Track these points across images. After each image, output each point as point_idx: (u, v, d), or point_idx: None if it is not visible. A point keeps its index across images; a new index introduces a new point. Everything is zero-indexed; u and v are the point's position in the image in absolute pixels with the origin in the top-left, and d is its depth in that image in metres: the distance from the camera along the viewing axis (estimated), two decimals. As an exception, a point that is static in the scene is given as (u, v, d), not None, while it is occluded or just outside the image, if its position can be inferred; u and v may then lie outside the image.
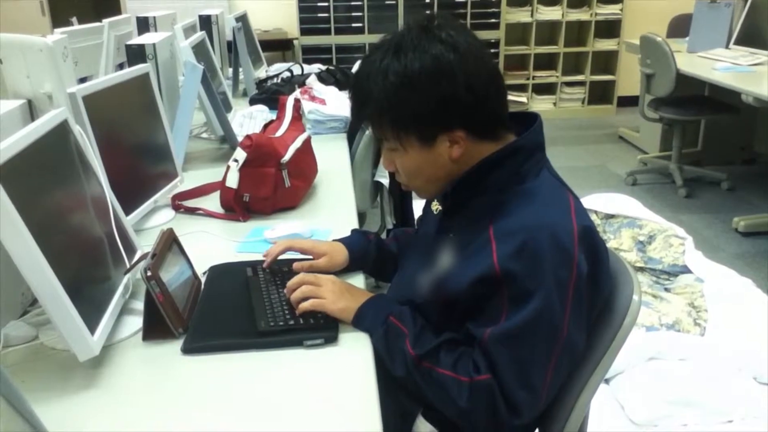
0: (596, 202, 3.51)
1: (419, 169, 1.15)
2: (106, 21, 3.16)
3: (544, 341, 1.02)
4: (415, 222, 2.01)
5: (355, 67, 1.30)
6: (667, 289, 2.61)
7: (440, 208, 1.23)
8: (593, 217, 3.33)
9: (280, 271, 1.33)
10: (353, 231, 1.49)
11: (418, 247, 1.30)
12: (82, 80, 3.12)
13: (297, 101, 2.11)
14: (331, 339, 1.13)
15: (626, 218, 3.22)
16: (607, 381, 2.09)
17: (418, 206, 2.69)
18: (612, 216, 3.29)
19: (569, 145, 5.36)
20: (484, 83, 1.08)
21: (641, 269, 2.80)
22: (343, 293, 1.21)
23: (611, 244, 3.05)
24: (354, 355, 1.11)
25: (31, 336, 1.17)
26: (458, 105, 1.07)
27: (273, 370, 1.07)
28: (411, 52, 1.07)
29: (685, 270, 2.69)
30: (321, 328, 1.14)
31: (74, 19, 4.28)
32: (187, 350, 1.11)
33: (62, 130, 1.22)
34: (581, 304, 1.04)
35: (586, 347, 1.11)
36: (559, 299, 1.00)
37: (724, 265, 2.80)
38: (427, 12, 5.52)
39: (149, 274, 1.11)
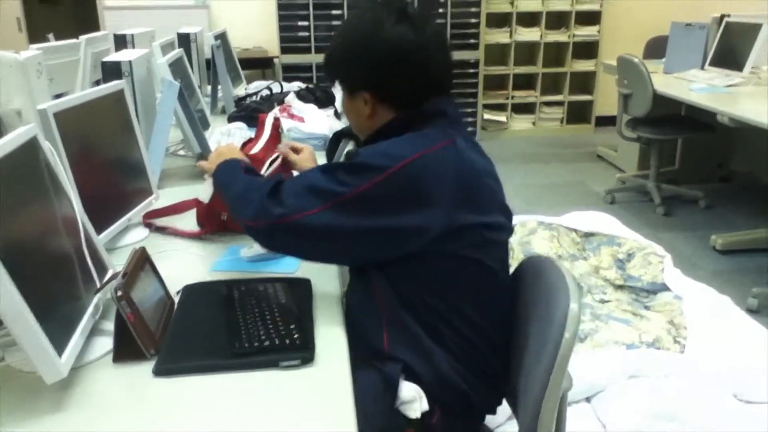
0: (575, 219, 3.52)
1: (348, 114, 1.39)
2: (83, 38, 3.13)
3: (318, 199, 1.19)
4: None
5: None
6: (646, 307, 2.61)
7: None
8: (573, 235, 3.34)
9: (256, 290, 1.31)
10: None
11: None
12: (58, 96, 3.07)
13: (276, 120, 2.09)
14: (307, 359, 1.10)
15: (605, 236, 3.24)
16: (588, 400, 2.07)
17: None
18: (591, 234, 3.30)
19: (548, 162, 5.40)
20: (396, 60, 1.25)
21: (621, 287, 2.80)
22: (222, 155, 1.48)
23: (591, 262, 3.06)
24: (331, 376, 1.08)
25: (-6, 358, 1.13)
26: (370, 69, 1.28)
27: (248, 391, 1.04)
28: (351, 18, 1.35)
29: (665, 288, 2.70)
30: (297, 349, 1.11)
31: (51, 36, 4.24)
32: (159, 372, 1.08)
33: (31, 147, 1.19)
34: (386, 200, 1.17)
35: (532, 356, 1.17)
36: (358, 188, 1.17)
37: (703, 283, 2.81)
38: None
39: (120, 294, 1.08)
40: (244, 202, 1.27)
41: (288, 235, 1.22)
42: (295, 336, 1.14)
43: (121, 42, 3.48)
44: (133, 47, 3.46)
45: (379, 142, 1.25)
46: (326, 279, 1.42)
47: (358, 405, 1.03)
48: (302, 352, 1.11)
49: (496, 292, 1.30)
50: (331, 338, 1.19)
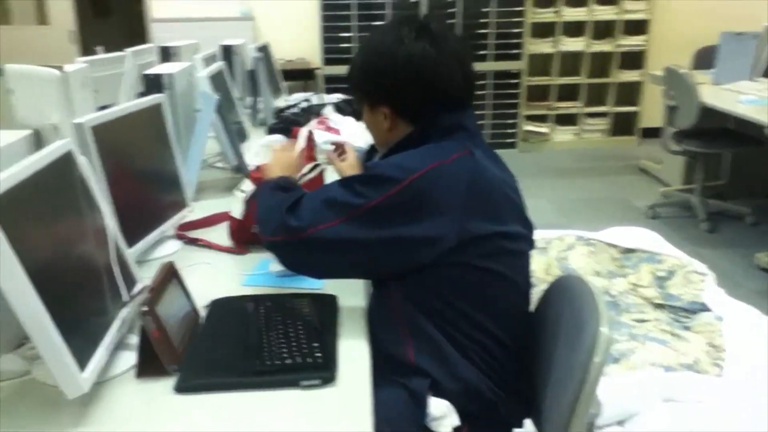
0: (615, 235, 3.45)
1: (369, 127, 1.41)
2: (129, 50, 3.22)
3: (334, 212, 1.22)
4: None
5: None
6: (686, 328, 2.54)
7: None
8: (612, 251, 3.27)
9: (282, 306, 1.31)
10: None
11: None
12: (103, 108, 3.16)
13: (310, 133, 2.10)
14: (328, 380, 1.10)
15: (645, 253, 3.16)
16: (620, 423, 2.02)
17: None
18: (631, 250, 3.23)
19: (589, 176, 5.31)
20: (414, 76, 1.27)
21: (660, 306, 2.73)
22: (281, 167, 1.51)
23: (630, 280, 2.99)
24: (351, 397, 1.08)
25: (24, 370, 1.16)
26: (389, 86, 1.30)
27: (268, 410, 1.05)
28: (373, 34, 1.35)
29: (705, 308, 2.62)
30: (319, 368, 1.11)
31: (100, 48, 4.36)
32: (180, 389, 1.09)
33: (66, 161, 1.22)
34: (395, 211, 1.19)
35: (558, 379, 1.15)
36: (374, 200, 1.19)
37: (745, 302, 2.71)
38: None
39: (145, 309, 1.10)
40: (266, 218, 1.31)
41: (304, 249, 1.24)
42: (317, 355, 1.14)
43: (166, 54, 3.56)
44: (178, 60, 3.54)
45: (397, 154, 1.29)
46: (352, 295, 1.42)
47: (385, 423, 1.02)
48: (323, 371, 1.11)
49: (517, 303, 1.31)
50: (354, 356, 1.19)
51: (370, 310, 1.36)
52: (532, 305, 1.40)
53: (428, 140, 1.28)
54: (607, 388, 2.05)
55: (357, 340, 1.25)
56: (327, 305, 1.35)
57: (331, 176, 1.98)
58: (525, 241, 1.32)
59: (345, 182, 1.25)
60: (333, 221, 1.21)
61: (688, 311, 2.64)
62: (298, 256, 1.27)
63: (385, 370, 1.24)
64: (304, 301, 1.33)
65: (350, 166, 1.79)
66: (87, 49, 5.43)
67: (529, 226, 1.34)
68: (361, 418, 1.03)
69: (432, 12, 5.63)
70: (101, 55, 3.28)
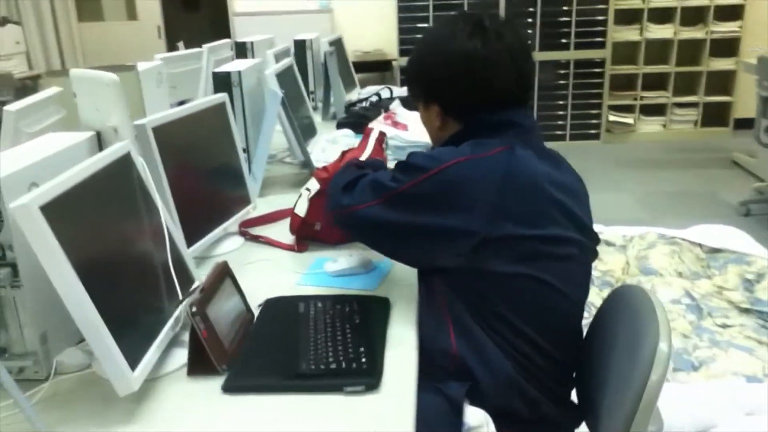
0: (702, 233, 3.27)
1: (424, 124, 1.41)
2: (206, 46, 3.30)
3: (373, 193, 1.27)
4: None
5: None
6: (774, 336, 2.38)
7: None
8: (697, 250, 3.10)
9: (332, 307, 1.31)
10: None
11: None
12: (181, 103, 3.26)
13: (382, 134, 2.08)
14: (372, 386, 1.08)
15: (734, 253, 2.98)
16: (697, 436, 1.91)
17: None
18: (718, 250, 3.06)
19: (678, 168, 5.06)
20: (467, 70, 1.26)
21: (747, 311, 2.56)
22: None
23: (715, 281, 2.82)
24: (394, 404, 1.06)
25: (85, 364, 1.19)
26: (436, 83, 1.31)
27: (311, 414, 1.04)
28: (431, 31, 1.35)
29: (797, 315, 2.44)
30: (363, 374, 1.10)
31: (181, 44, 4.51)
32: (228, 389, 1.10)
33: (125, 162, 1.25)
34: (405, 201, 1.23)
35: (614, 394, 1.09)
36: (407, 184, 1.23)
37: None
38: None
39: (194, 309, 1.11)
40: (331, 194, 1.38)
41: (353, 225, 1.33)
42: (363, 360, 1.12)
43: (241, 50, 3.63)
44: (253, 54, 3.60)
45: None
46: (405, 297, 1.39)
47: (423, 430, 1.00)
48: (367, 378, 1.09)
49: (561, 310, 1.24)
50: (400, 363, 1.16)
51: (418, 294, 1.36)
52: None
53: (476, 136, 1.26)
54: (685, 397, 1.95)
55: (405, 345, 1.22)
56: (378, 308, 1.33)
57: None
58: (576, 246, 1.24)
59: (395, 166, 1.29)
60: (371, 201, 1.27)
61: (777, 318, 2.47)
62: (351, 230, 1.37)
63: (426, 372, 1.22)
64: (355, 303, 1.32)
65: None
66: (173, 44, 5.61)
67: (585, 230, 1.27)
68: (403, 426, 1.00)
69: (500, 8, 5.49)
70: (180, 52, 3.37)
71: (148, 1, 6.28)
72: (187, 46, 4.41)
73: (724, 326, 2.45)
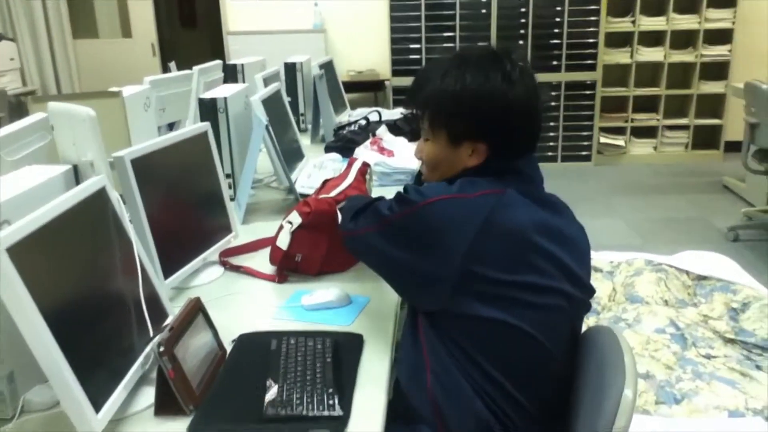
0: (689, 260, 3.27)
1: (439, 163, 1.34)
2: (195, 68, 3.30)
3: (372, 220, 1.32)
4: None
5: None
6: (758, 367, 2.37)
7: None
8: (684, 277, 3.10)
9: (304, 344, 1.30)
10: None
11: None
12: (171, 125, 3.27)
13: (365, 165, 2.07)
14: (338, 430, 1.07)
15: (720, 281, 2.98)
16: (677, 471, 1.90)
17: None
18: (704, 278, 3.06)
19: (668, 193, 5.07)
20: (521, 117, 1.25)
21: (731, 341, 2.56)
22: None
23: (701, 310, 2.82)
24: (361, 450, 1.05)
25: (53, 402, 1.18)
26: (491, 127, 1.25)
27: (276, 459, 1.03)
28: (472, 68, 1.26)
29: (782, 346, 2.44)
30: (330, 418, 1.09)
31: (172, 64, 4.52)
32: (193, 431, 1.09)
33: (100, 197, 1.25)
34: (394, 235, 1.25)
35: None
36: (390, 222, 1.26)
37: (831, 341, 2.51)
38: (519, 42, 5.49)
39: (162, 350, 1.11)
40: (343, 216, 1.46)
41: (353, 248, 1.43)
42: (330, 403, 1.11)
43: (232, 72, 3.65)
44: (243, 77, 3.62)
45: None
46: (380, 334, 1.39)
47: None
48: (334, 422, 1.08)
49: (536, 360, 1.21)
50: (369, 403, 1.16)
51: (402, 339, 1.35)
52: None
53: (483, 176, 1.26)
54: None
55: (375, 384, 1.21)
56: (351, 345, 1.33)
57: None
58: (563, 297, 1.21)
59: (394, 196, 1.31)
60: (369, 228, 1.32)
61: (762, 349, 2.47)
62: (352, 252, 1.45)
63: (398, 412, 1.22)
64: (328, 340, 1.31)
65: None
66: (168, 62, 5.64)
67: (580, 284, 1.25)
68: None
69: (491, 31, 5.53)
70: (169, 74, 3.38)
71: (143, 17, 6.31)
72: (183, 65, 4.44)
73: (708, 357, 2.44)
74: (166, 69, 5.84)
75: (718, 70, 5.77)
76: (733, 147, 5.74)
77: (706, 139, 6.00)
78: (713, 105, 5.91)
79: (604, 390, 1.03)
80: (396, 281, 1.33)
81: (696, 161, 5.91)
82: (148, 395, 1.19)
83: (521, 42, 5.61)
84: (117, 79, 5.48)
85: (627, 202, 4.87)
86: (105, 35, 6.63)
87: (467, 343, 1.19)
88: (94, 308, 1.13)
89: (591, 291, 1.28)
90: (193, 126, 1.78)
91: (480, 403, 1.19)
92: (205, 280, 1.71)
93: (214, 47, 6.98)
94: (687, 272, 3.14)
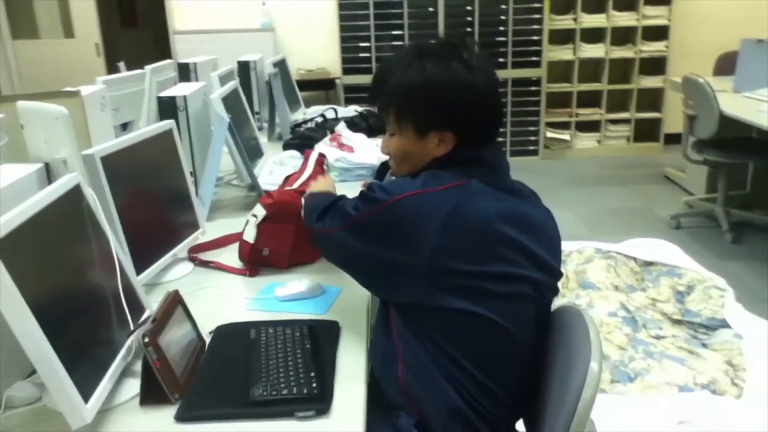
0: (636, 247, 3.42)
1: (408, 156, 1.35)
2: (148, 68, 3.27)
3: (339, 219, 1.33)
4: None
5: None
6: (704, 345, 2.51)
7: None
8: (632, 264, 3.24)
9: (282, 333, 1.33)
10: None
11: None
12: (124, 126, 3.23)
13: (321, 156, 2.13)
14: (322, 411, 1.12)
15: (666, 266, 3.13)
16: (633, 445, 2.01)
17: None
18: (651, 263, 3.20)
19: (613, 185, 5.26)
20: (485, 103, 1.29)
21: (678, 322, 2.70)
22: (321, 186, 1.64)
23: (649, 294, 2.96)
24: (344, 428, 1.09)
25: (35, 397, 1.19)
26: (458, 113, 1.28)
27: (264, 440, 1.06)
28: (433, 58, 1.29)
29: (725, 324, 2.59)
30: (313, 399, 1.13)
31: (122, 64, 4.45)
32: (181, 418, 1.11)
33: (75, 195, 1.26)
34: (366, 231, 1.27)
35: (551, 414, 1.13)
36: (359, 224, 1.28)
37: (768, 319, 2.68)
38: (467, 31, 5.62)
39: (146, 340, 1.13)
40: (307, 215, 1.47)
41: (321, 246, 1.44)
42: (313, 385, 1.15)
43: (185, 70, 3.62)
44: (196, 76, 3.60)
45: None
46: (355, 320, 1.44)
47: None
48: (318, 403, 1.12)
49: (507, 349, 1.24)
50: (350, 386, 1.20)
51: (375, 319, 1.38)
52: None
53: (446, 167, 1.29)
54: (620, 408, 2.04)
55: (354, 369, 1.26)
56: (328, 332, 1.37)
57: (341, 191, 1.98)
58: (530, 285, 1.24)
59: (359, 195, 1.33)
60: (335, 227, 1.33)
61: (707, 328, 2.61)
62: (320, 250, 1.48)
63: (378, 400, 1.25)
64: (306, 328, 1.35)
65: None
66: (113, 62, 5.53)
67: (547, 269, 1.28)
68: (356, 449, 1.04)
69: (438, 29, 5.63)
70: (121, 74, 3.34)
71: (85, 16, 6.16)
72: (127, 65, 4.37)
73: (658, 337, 2.57)
74: (112, 69, 5.72)
75: (656, 66, 6.01)
76: (673, 139, 5.99)
77: (646, 132, 6.23)
78: (653, 99, 6.14)
79: (572, 365, 1.10)
80: (364, 277, 1.35)
81: (638, 153, 6.14)
82: (131, 387, 1.21)
83: (467, 41, 5.71)
84: (60, 81, 5.34)
85: (574, 194, 5.03)
86: (46, 36, 6.44)
87: (438, 334, 1.22)
88: (75, 303, 1.14)
89: (559, 275, 1.32)
90: (159, 124, 1.79)
91: (452, 392, 1.22)
92: (176, 275, 1.73)
93: (159, 47, 6.87)
94: (634, 259, 3.28)
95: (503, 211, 1.24)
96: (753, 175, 4.52)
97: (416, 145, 1.33)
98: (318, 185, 1.67)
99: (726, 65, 5.02)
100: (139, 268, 1.55)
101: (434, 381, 1.23)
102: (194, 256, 1.82)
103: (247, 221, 1.76)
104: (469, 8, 5.65)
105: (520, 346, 1.26)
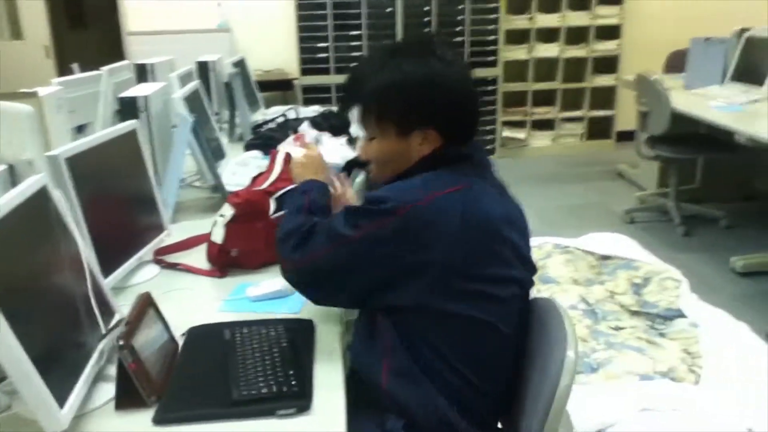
0: (593, 242, 3.50)
1: (391, 159, 1.32)
2: (104, 69, 3.21)
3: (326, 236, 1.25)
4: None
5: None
6: (662, 335, 2.59)
7: None
8: (589, 258, 3.32)
9: (258, 333, 1.33)
10: None
11: None
12: (80, 128, 3.16)
13: (288, 155, 2.12)
14: (303, 408, 1.12)
15: (622, 260, 3.22)
16: (598, 434, 2.06)
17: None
18: (608, 257, 3.28)
19: (568, 182, 5.37)
20: (464, 97, 1.29)
21: (637, 313, 2.78)
22: (306, 168, 1.57)
23: (607, 287, 3.04)
24: (326, 424, 1.10)
25: (5, 405, 1.16)
26: (437, 109, 1.26)
27: (245, 440, 1.06)
28: (407, 57, 1.27)
29: (680, 314, 2.67)
30: (294, 397, 1.13)
31: (75, 66, 4.35)
32: (159, 421, 1.10)
33: (41, 196, 1.23)
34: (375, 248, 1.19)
35: (530, 403, 1.14)
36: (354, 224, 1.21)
37: (722, 307, 2.77)
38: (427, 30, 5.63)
39: (122, 343, 1.11)
40: (281, 242, 1.32)
41: (306, 276, 1.29)
42: (293, 383, 1.16)
43: (142, 72, 3.56)
44: (154, 77, 3.54)
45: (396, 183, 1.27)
46: (329, 319, 1.44)
47: None
48: (299, 400, 1.13)
49: (493, 349, 1.25)
50: (329, 383, 1.21)
51: (355, 326, 1.37)
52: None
53: (437, 166, 1.26)
54: (584, 398, 2.09)
55: (332, 365, 1.27)
56: (304, 330, 1.37)
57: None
58: (518, 285, 1.26)
59: (347, 212, 1.25)
60: (328, 248, 1.24)
61: (664, 318, 2.69)
62: (301, 281, 1.31)
63: (364, 400, 1.25)
64: (281, 327, 1.35)
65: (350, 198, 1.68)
66: (64, 63, 5.40)
67: (530, 267, 1.31)
68: (337, 445, 1.05)
69: (396, 29, 5.67)
70: (77, 75, 3.27)
71: (34, 18, 6.00)
72: (82, 68, 4.27)
73: (618, 329, 2.64)
74: (63, 72, 5.58)
75: (608, 64, 6.15)
76: (624, 136, 6.14)
77: (599, 129, 6.37)
78: (605, 97, 6.29)
79: (549, 355, 1.13)
80: (361, 292, 1.25)
81: (591, 151, 6.28)
82: (105, 391, 1.19)
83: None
84: (9, 83, 5.19)
85: (531, 191, 5.11)
86: (-8, 37, 6.26)
87: (433, 338, 1.21)
88: (45, 307, 1.12)
89: (535, 269, 1.34)
90: (122, 124, 1.76)
91: (442, 397, 1.22)
92: (142, 279, 1.70)
93: (110, 49, 6.72)
94: (592, 253, 3.36)
95: (503, 212, 1.25)
96: (702, 169, 4.67)
97: (399, 145, 1.29)
98: (304, 167, 1.58)
99: (676, 63, 5.17)
100: (106, 272, 1.52)
101: (423, 387, 1.22)
102: (160, 258, 1.80)
103: (215, 222, 1.74)
104: (426, 8, 5.69)
105: (511, 345, 1.28)
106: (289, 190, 1.61)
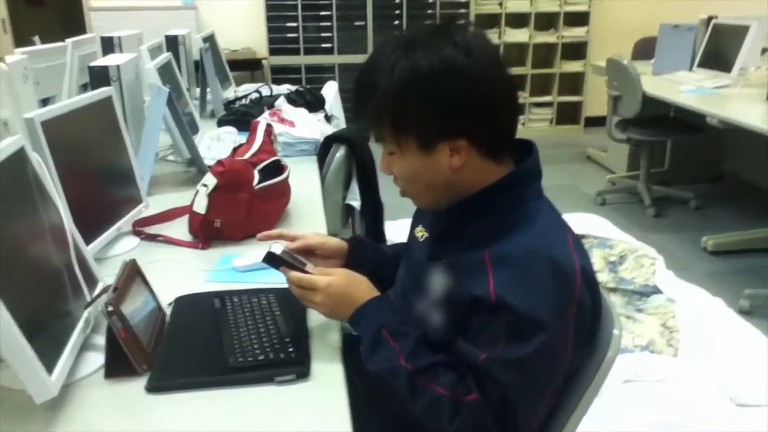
0: (567, 222, 3.52)
1: (416, 176, 1.09)
2: (69, 41, 3.09)
3: (544, 374, 1.00)
4: (387, 244, 2.01)
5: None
6: (639, 310, 2.61)
7: (426, 234, 1.21)
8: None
9: (249, 301, 1.29)
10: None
11: (410, 274, 1.24)
12: (45, 101, 3.04)
13: (269, 126, 2.07)
14: (302, 374, 1.08)
15: (597, 238, 3.24)
16: (582, 406, 2.07)
17: (390, 229, 2.66)
18: (583, 236, 3.30)
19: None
20: (495, 93, 1.04)
21: (613, 290, 2.80)
22: (337, 300, 1.14)
23: (583, 265, 3.05)
24: (327, 391, 1.07)
25: (-13, 380, 1.10)
26: (463, 111, 1.02)
27: (243, 407, 1.02)
28: (422, 50, 1.02)
29: (657, 290, 2.70)
30: (292, 363, 1.10)
31: (36, 38, 4.19)
32: (152, 389, 1.05)
33: (18, 159, 1.16)
34: (580, 335, 1.02)
35: (569, 383, 1.10)
36: (563, 332, 0.99)
37: (695, 284, 2.82)
38: (445, 15, 5.59)
39: (110, 309, 1.06)
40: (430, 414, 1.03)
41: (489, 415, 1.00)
42: (290, 350, 1.12)
43: (108, 45, 3.44)
44: (121, 50, 3.42)
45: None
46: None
47: None
48: (298, 366, 1.09)
49: None
50: (325, 350, 1.17)
51: None
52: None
53: (514, 186, 1.09)
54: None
55: (327, 332, 1.23)
56: (294, 299, 1.32)
57: (294, 173, 1.92)
58: None
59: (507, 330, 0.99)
60: (545, 392, 1.03)
61: (641, 294, 2.72)
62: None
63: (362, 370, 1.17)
64: (272, 296, 1.31)
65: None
66: (21, 39, 5.20)
67: None
68: (337, 412, 1.01)
69: (367, 12, 5.61)
70: (39, 46, 3.15)
71: (-11, -7, 5.77)
72: (43, 42, 4.11)
73: (596, 305, 2.66)
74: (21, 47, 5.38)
75: (577, 51, 6.19)
76: (593, 122, 6.21)
77: (568, 115, 6.43)
78: (574, 83, 6.34)
79: (598, 331, 1.12)
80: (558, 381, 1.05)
81: (560, 135, 6.32)
82: (92, 361, 1.14)
83: (396, 22, 5.72)
84: (-35, 59, 4.99)
85: (502, 174, 5.12)
86: (-55, 11, 5.99)
87: None
88: (28, 273, 1.06)
89: None
90: (97, 90, 1.69)
91: None
92: (122, 250, 1.64)
93: (70, 24, 6.50)
94: (567, 233, 3.37)
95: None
96: (671, 153, 4.74)
97: (423, 161, 1.06)
98: (334, 301, 1.16)
99: (643, 50, 5.23)
100: (85, 241, 1.46)
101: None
102: (140, 230, 1.73)
103: (197, 191, 1.68)
104: (397, -10, 5.65)
105: None
106: (365, 348, 1.13)
